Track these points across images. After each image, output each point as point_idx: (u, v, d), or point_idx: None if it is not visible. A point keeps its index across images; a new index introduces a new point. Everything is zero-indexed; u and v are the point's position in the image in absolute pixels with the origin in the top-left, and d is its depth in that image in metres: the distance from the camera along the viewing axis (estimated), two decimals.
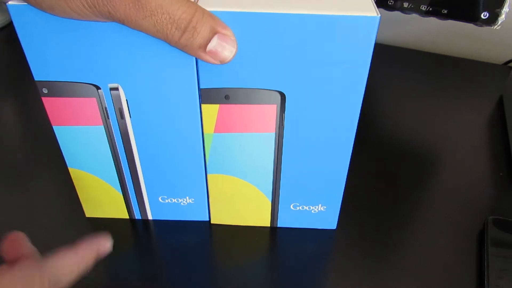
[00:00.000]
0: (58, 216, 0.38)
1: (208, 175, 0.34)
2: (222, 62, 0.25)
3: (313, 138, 0.31)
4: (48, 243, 0.36)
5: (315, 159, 0.32)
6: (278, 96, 0.29)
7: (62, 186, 0.40)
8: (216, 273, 0.34)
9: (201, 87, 0.29)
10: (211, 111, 0.30)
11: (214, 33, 0.24)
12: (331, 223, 0.37)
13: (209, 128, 0.31)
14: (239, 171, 0.34)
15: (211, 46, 0.24)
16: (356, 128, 0.30)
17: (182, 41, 0.24)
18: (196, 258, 0.35)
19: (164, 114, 0.30)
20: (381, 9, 0.43)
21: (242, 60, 0.27)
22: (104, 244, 0.30)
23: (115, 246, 0.36)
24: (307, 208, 0.36)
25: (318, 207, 0.36)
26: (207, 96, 0.29)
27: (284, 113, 0.30)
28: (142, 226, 0.38)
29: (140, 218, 0.38)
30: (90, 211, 0.38)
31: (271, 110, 0.30)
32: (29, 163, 0.44)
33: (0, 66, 0.59)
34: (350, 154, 0.32)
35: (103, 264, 0.35)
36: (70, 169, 0.34)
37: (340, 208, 0.37)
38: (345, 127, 0.30)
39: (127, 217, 0.38)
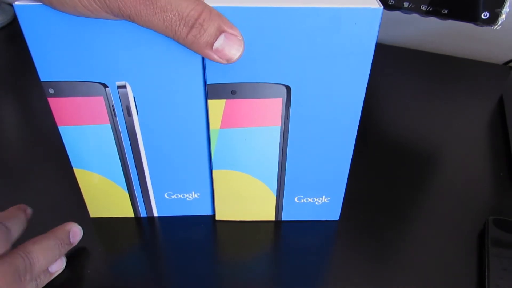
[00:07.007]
0: (62, 217, 0.38)
1: (214, 171, 0.34)
2: (229, 62, 0.26)
3: (317, 131, 0.32)
4: None
5: (320, 151, 0.33)
6: (284, 90, 0.29)
7: (65, 187, 0.40)
8: (222, 268, 0.35)
9: (208, 82, 0.29)
10: (217, 106, 0.30)
11: (221, 31, 0.25)
12: (334, 214, 0.38)
13: (215, 124, 0.31)
14: (244, 166, 0.34)
15: (217, 44, 0.25)
16: (359, 119, 0.31)
17: (190, 37, 0.25)
18: (201, 254, 0.36)
19: (170, 110, 0.31)
20: None
21: (249, 55, 0.27)
22: (74, 228, 0.33)
23: (121, 245, 0.36)
24: (311, 200, 0.36)
25: (322, 199, 0.36)
26: (213, 91, 0.29)
27: (290, 106, 0.30)
28: (147, 224, 0.38)
29: (145, 215, 0.38)
30: (95, 211, 0.38)
31: (277, 103, 0.30)
32: (31, 164, 0.44)
33: (0, 66, 0.59)
34: (353, 146, 0.33)
35: (109, 263, 0.35)
36: (75, 170, 0.34)
37: (341, 208, 0.37)
38: (348, 119, 0.31)
39: (132, 215, 0.38)
